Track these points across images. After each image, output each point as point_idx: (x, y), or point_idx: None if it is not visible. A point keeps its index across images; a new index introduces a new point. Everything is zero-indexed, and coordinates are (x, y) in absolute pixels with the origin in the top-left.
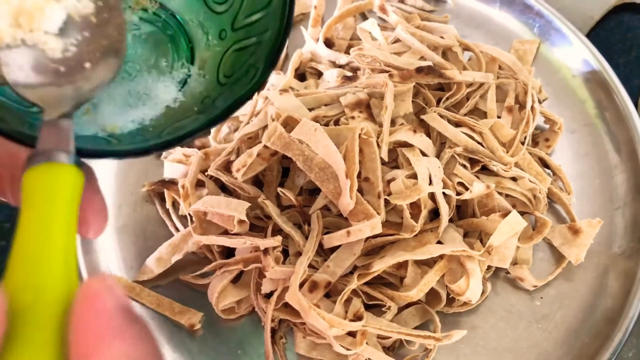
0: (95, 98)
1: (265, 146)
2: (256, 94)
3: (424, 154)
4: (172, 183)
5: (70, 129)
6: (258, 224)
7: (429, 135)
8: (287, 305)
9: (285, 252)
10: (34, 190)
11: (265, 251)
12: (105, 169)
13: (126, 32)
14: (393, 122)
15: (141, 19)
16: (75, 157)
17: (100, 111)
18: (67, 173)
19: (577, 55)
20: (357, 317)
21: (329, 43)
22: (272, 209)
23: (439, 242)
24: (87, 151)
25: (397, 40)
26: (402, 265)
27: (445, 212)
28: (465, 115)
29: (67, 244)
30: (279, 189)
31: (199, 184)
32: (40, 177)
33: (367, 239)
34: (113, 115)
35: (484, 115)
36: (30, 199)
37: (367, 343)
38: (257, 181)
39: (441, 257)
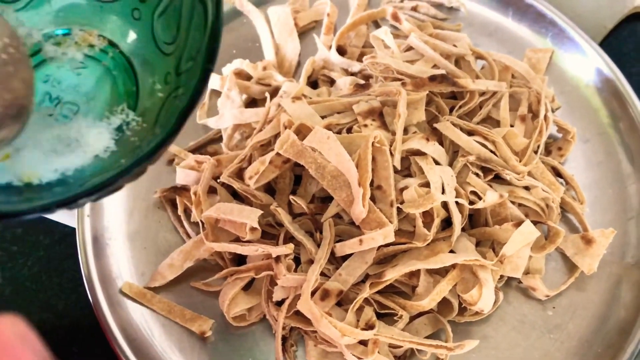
0: None
1: (277, 154)
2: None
3: (437, 163)
4: (184, 190)
5: None
6: (270, 232)
7: (441, 143)
8: (298, 313)
9: (297, 260)
10: None
11: (277, 259)
12: None
13: (34, 88)
14: (406, 131)
15: (86, 56)
16: None
17: (21, 157)
18: None
19: (591, 64)
20: (369, 326)
21: (341, 51)
22: (284, 216)
23: (452, 251)
24: None
25: (409, 48)
26: (414, 274)
27: (458, 221)
28: (478, 123)
29: None
30: (290, 197)
31: (211, 191)
32: None
33: (379, 247)
34: (35, 162)
35: (496, 124)
36: None
37: (378, 352)
38: (270, 188)
39: (453, 266)
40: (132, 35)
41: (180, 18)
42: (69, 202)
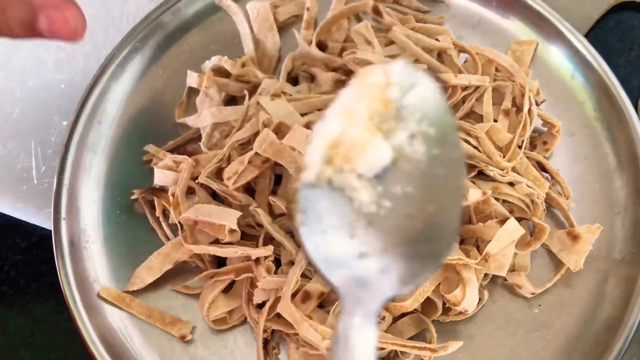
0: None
1: (256, 153)
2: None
3: None
4: (162, 191)
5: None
6: (250, 232)
7: None
8: (279, 315)
9: (277, 261)
10: None
11: (257, 261)
12: (93, 177)
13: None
14: None
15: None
16: None
17: None
18: None
19: (576, 56)
20: None
21: (322, 46)
22: (263, 217)
23: None
24: None
25: (391, 43)
26: None
27: None
28: (461, 119)
29: None
30: (270, 198)
31: (190, 192)
32: None
33: None
34: None
35: (480, 118)
36: None
37: None
38: (250, 188)
39: None
40: None
41: None
42: None
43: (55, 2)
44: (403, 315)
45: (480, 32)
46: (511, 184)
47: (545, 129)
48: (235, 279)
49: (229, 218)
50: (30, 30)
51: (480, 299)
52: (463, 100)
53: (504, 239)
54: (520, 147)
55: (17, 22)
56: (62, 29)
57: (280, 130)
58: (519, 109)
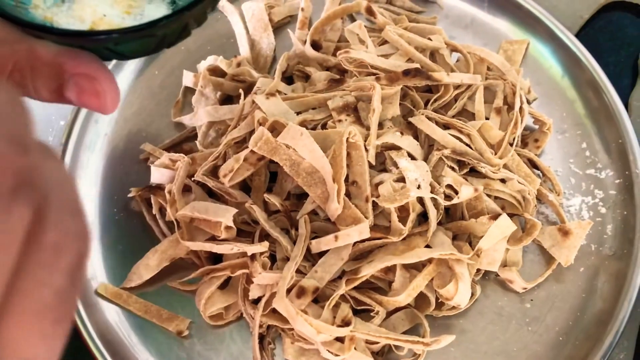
0: None
1: (252, 151)
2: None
3: (411, 157)
4: (158, 189)
5: None
6: (246, 229)
7: (416, 137)
8: (275, 311)
9: (273, 258)
10: None
11: (253, 257)
12: (91, 175)
13: None
14: (381, 125)
15: None
16: None
17: None
18: None
19: (567, 55)
20: (345, 323)
21: (316, 45)
22: (259, 214)
23: (428, 246)
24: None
25: (384, 42)
26: (391, 269)
27: (433, 216)
28: (453, 117)
29: None
30: (265, 195)
31: (186, 190)
32: None
33: (355, 243)
34: None
35: (472, 116)
36: None
37: (355, 348)
38: (245, 186)
39: (430, 261)
40: None
41: None
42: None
43: (89, 70)
44: (397, 310)
45: (472, 32)
46: (503, 180)
47: (537, 126)
48: (231, 275)
49: (225, 215)
50: (59, 96)
51: (472, 294)
52: (455, 98)
53: (496, 234)
54: (511, 145)
55: (44, 88)
56: (90, 101)
57: (275, 129)
58: (511, 107)
